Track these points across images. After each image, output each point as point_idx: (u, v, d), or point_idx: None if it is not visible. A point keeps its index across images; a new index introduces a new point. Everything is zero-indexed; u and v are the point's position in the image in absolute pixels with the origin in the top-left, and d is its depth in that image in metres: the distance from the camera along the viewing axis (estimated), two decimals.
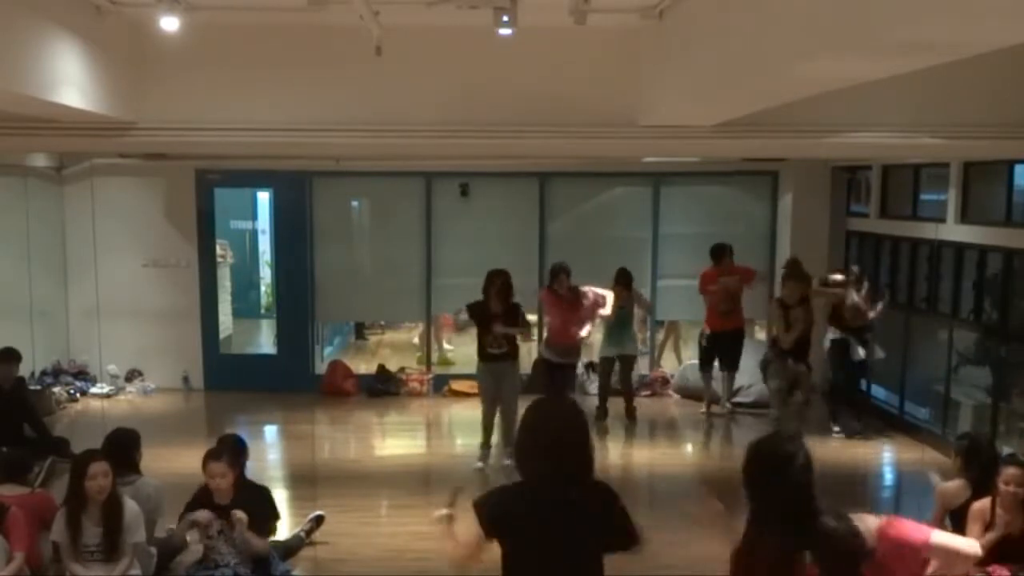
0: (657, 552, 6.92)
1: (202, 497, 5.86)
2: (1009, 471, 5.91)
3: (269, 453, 9.61)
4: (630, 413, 10.43)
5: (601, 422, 10.13)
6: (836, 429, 9.89)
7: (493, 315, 8.60)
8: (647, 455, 9.87)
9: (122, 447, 6.08)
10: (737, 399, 10.90)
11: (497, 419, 8.77)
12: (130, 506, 5.65)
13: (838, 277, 9.97)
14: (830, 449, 9.31)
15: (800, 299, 9.44)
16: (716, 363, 10.80)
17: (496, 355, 8.66)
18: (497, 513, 3.34)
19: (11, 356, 8.69)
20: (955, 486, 6.32)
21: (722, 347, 10.68)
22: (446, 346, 13.19)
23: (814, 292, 9.69)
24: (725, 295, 10.54)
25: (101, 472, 5.52)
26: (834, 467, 8.85)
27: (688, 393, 11.37)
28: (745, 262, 11.17)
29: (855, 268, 10.28)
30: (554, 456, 3.28)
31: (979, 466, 6.18)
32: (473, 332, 8.98)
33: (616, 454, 9.75)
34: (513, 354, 8.77)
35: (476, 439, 9.08)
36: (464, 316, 8.89)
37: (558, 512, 3.28)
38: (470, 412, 9.71)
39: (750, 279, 10.69)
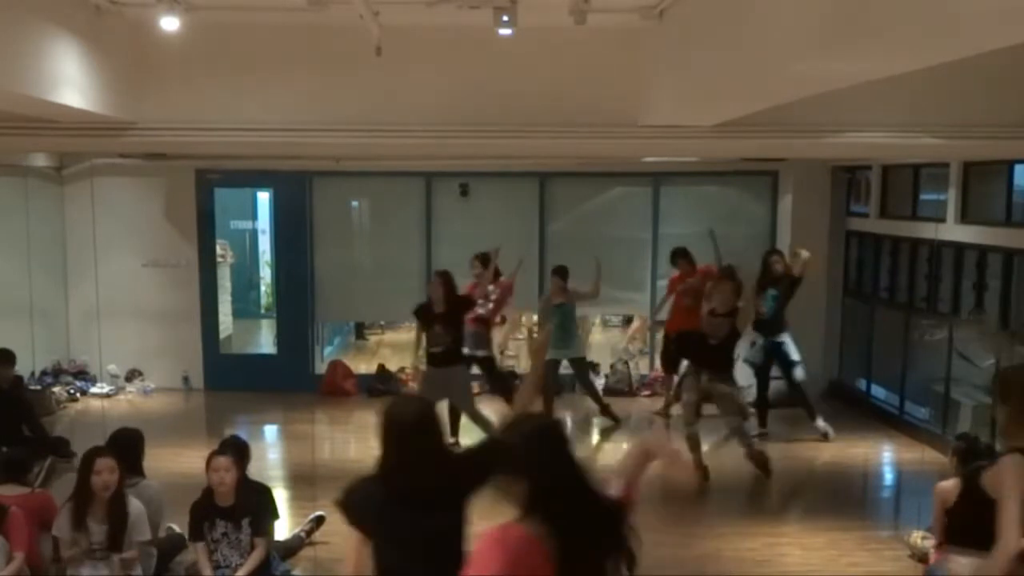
0: (652, 553, 6.93)
1: (205, 501, 5.84)
2: None
3: (269, 453, 9.61)
4: (606, 412, 10.24)
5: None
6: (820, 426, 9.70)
7: (435, 315, 8.62)
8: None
9: (126, 447, 6.05)
10: None
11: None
12: (135, 504, 5.64)
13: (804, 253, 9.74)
14: (832, 449, 9.33)
15: (730, 310, 8.52)
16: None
17: (437, 355, 8.60)
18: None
19: (8, 358, 8.71)
20: (951, 484, 6.38)
21: (692, 347, 10.56)
22: None
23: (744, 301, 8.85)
24: (689, 292, 10.33)
25: (107, 468, 5.50)
26: (834, 467, 8.85)
27: None
28: (745, 262, 11.09)
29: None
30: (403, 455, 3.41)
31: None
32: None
33: (606, 454, 9.75)
34: (457, 355, 8.74)
35: (477, 439, 9.07)
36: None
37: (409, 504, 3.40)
38: None
39: (712, 275, 10.37)
